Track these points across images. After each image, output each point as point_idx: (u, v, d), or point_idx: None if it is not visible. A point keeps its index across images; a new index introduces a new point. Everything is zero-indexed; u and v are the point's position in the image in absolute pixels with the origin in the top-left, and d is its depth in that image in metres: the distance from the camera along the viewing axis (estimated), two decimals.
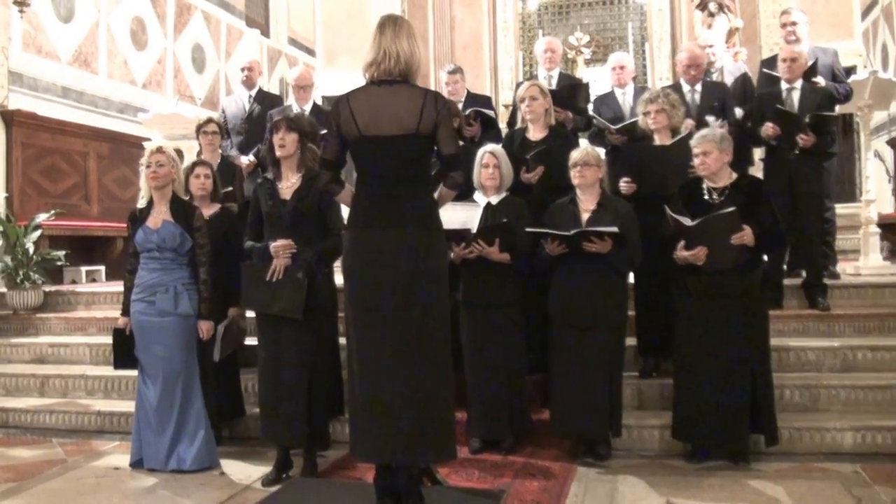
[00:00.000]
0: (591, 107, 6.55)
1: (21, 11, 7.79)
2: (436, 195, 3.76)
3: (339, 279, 4.53)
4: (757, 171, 6.35)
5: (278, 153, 4.61)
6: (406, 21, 3.74)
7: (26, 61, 8.67)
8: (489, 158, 4.95)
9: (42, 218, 7.40)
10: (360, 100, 3.65)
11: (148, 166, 4.73)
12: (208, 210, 5.21)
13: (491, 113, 6.20)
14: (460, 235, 4.64)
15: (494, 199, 4.93)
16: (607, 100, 6.56)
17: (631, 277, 5.11)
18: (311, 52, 13.98)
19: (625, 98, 6.54)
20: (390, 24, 3.67)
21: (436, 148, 3.66)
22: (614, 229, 4.50)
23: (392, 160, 3.61)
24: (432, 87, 11.67)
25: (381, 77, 3.63)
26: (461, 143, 5.49)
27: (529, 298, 4.88)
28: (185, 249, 4.73)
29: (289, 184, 4.62)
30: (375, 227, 3.62)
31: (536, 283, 4.88)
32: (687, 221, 4.38)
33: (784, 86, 5.94)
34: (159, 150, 4.73)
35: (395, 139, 3.59)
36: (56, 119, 8.84)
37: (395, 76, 3.62)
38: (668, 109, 5.18)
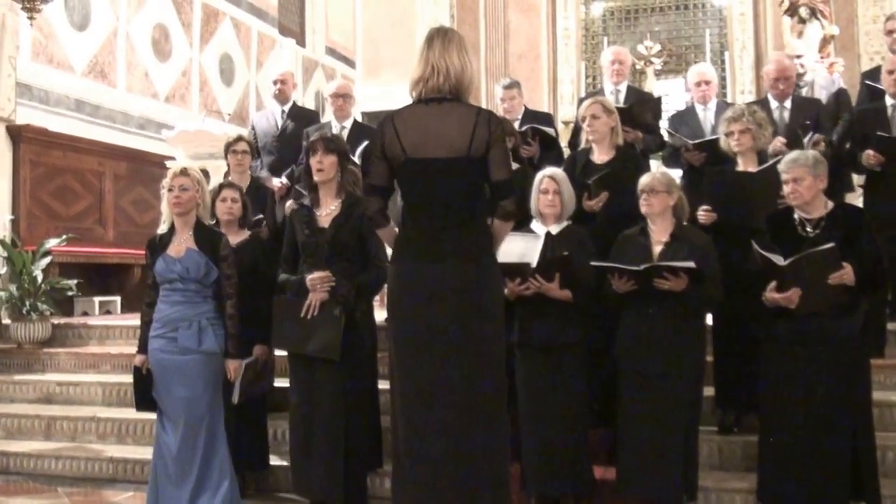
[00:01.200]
0: (664, 125, 6.55)
1: (31, 18, 7.94)
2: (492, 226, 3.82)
3: (380, 315, 4.59)
4: (856, 197, 6.29)
5: (316, 178, 4.72)
6: (457, 34, 3.81)
7: (36, 72, 8.90)
8: (548, 183, 4.98)
9: (52, 243, 7.56)
10: (407, 119, 3.72)
11: (170, 190, 4.83)
12: (236, 237, 5.30)
13: (551, 131, 6.25)
14: (518, 270, 4.65)
15: (554, 229, 4.95)
16: (686, 117, 6.55)
17: (709, 319, 5.08)
18: (350, 62, 14.20)
19: (706, 115, 6.52)
20: (439, 37, 3.75)
21: (488, 172, 3.71)
22: (690, 264, 4.48)
23: (441, 186, 3.67)
24: (483, 102, 11.75)
25: (428, 95, 3.71)
26: (517, 164, 5.57)
27: (593, 341, 4.88)
28: (211, 280, 4.82)
29: (327, 211, 4.71)
30: (423, 260, 3.67)
31: (602, 324, 4.89)
32: (779, 260, 4.32)
33: (889, 101, 5.89)
34: (183, 172, 4.83)
35: (445, 163, 3.65)
36: (68, 135, 9.05)
37: (445, 94, 3.69)
38: (753, 129, 5.15)
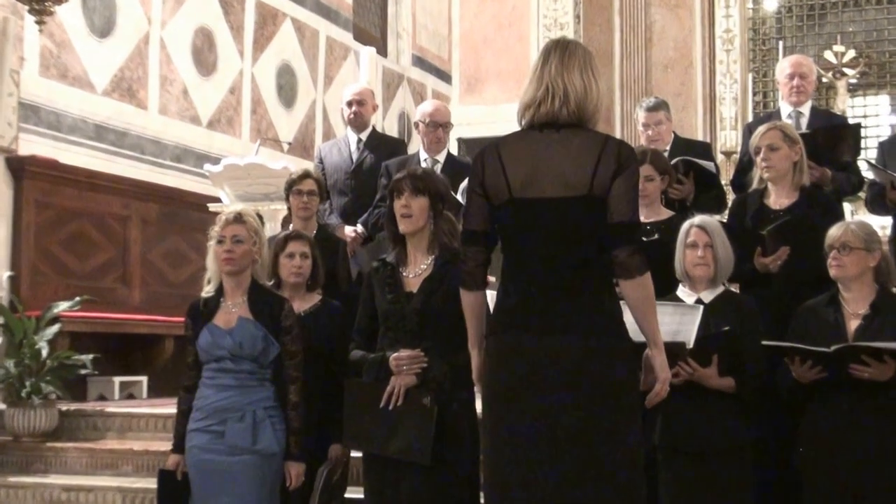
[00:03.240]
0: (864, 160, 6.48)
1: (40, 23, 7.94)
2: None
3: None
4: None
5: (402, 227, 4.78)
6: (581, 47, 3.87)
7: (45, 89, 9.17)
8: (697, 235, 4.96)
9: (62, 307, 7.69)
10: (515, 149, 3.80)
11: (220, 241, 4.95)
12: (303, 303, 5.41)
13: (710, 166, 6.26)
14: (668, 352, 4.64)
15: (707, 296, 4.93)
16: None
17: None
18: (444, 76, 14.37)
19: None
20: (557, 51, 3.83)
21: (607, 210, 3.74)
22: None
23: (555, 234, 3.72)
24: (617, 128, 11.69)
25: (542, 120, 3.79)
26: (669, 210, 5.58)
27: (762, 445, 4.84)
28: (270, 359, 4.92)
29: (416, 270, 4.78)
30: (530, 331, 3.70)
31: (775, 424, 4.84)
32: None
33: None
34: (238, 218, 4.96)
35: (561, 204, 3.70)
36: (86, 169, 9.28)
37: (563, 120, 3.76)
38: None
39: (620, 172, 3.69)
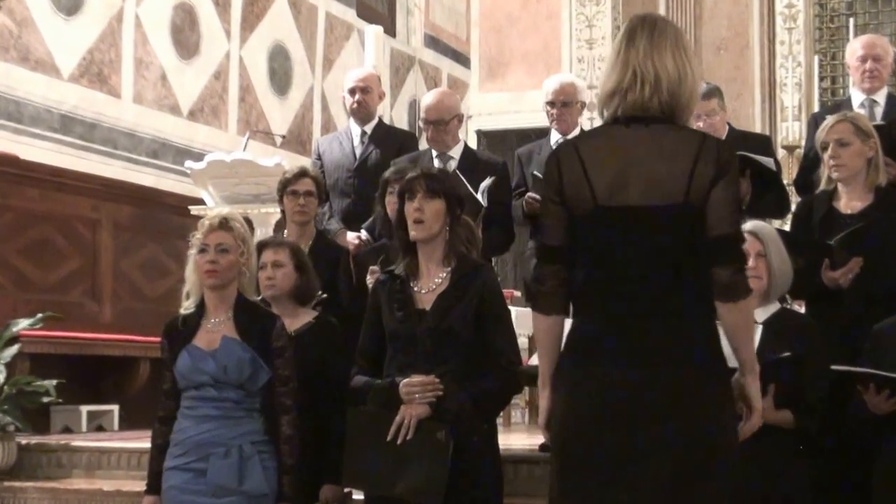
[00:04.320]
0: None
1: None
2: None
3: (508, 440, 4.60)
4: None
5: (414, 233, 4.77)
6: (672, 25, 3.82)
7: (4, 75, 9.19)
8: (749, 243, 4.87)
9: (21, 326, 7.66)
10: (598, 148, 3.76)
11: (202, 251, 4.94)
12: (293, 321, 5.40)
13: (769, 162, 6.23)
14: None
15: (760, 314, 4.89)
16: None
17: None
18: (462, 58, 14.37)
19: None
20: (645, 30, 3.77)
21: (706, 222, 3.70)
22: None
23: (648, 248, 3.67)
24: None
25: (628, 112, 3.75)
26: None
27: (827, 487, 4.83)
28: (259, 386, 4.92)
29: (429, 284, 4.78)
30: (617, 362, 3.66)
31: (844, 464, 4.85)
32: None
33: None
34: (223, 224, 4.95)
35: (653, 213, 3.66)
36: (50, 166, 9.24)
37: (654, 112, 3.72)
38: None
39: (720, 178, 3.64)
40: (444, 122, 7.10)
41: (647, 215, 3.65)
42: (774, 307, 4.92)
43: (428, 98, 7.34)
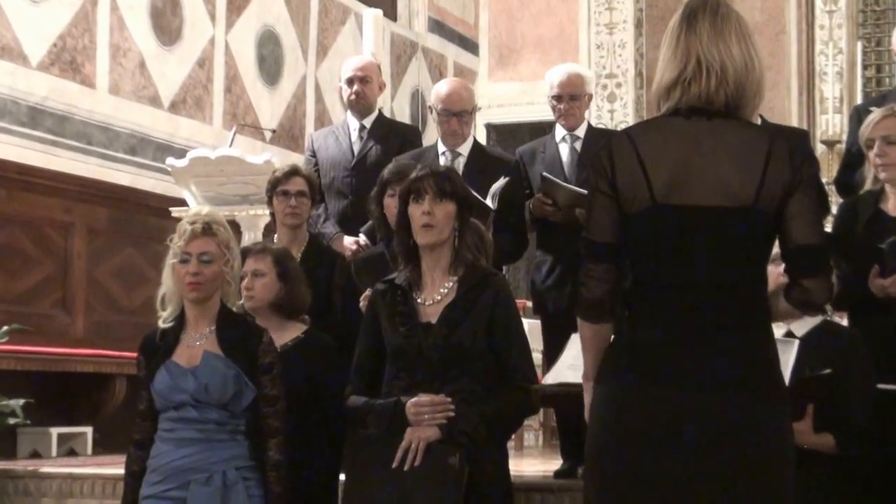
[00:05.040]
0: None
1: None
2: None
3: (520, 466, 4.58)
4: None
5: (422, 238, 4.77)
6: (734, 11, 3.77)
7: None
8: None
9: None
10: (655, 141, 3.72)
11: (183, 260, 4.92)
12: (281, 335, 5.40)
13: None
14: None
15: (799, 328, 4.93)
16: None
17: None
18: (469, 45, 14.35)
19: None
20: (707, 14, 3.73)
21: (785, 232, 3.69)
22: None
23: (711, 253, 3.66)
24: None
25: (692, 104, 3.73)
26: None
27: None
28: (244, 406, 4.91)
29: (435, 295, 4.78)
30: (668, 383, 3.63)
31: (890, 490, 4.84)
32: None
33: None
34: (207, 230, 4.92)
35: (719, 215, 3.64)
36: (17, 163, 9.24)
37: (719, 105, 3.71)
38: None
39: (799, 183, 3.62)
40: (467, 112, 7.11)
41: (712, 217, 3.63)
42: (815, 319, 4.91)
43: (445, 86, 7.31)
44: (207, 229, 4.91)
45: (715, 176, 3.62)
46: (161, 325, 5.03)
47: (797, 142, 3.74)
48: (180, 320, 5.00)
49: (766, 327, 3.72)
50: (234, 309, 5.11)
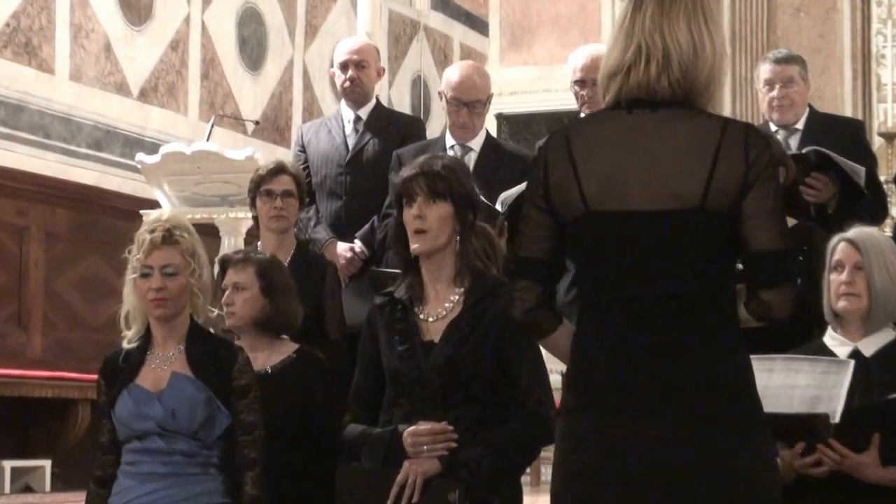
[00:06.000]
0: None
1: None
2: None
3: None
4: None
5: (414, 246, 4.76)
6: None
7: None
8: (845, 252, 4.95)
9: None
10: (591, 139, 3.73)
11: (144, 275, 4.93)
12: (269, 355, 5.46)
13: (856, 172, 6.22)
14: (802, 427, 4.65)
15: (868, 346, 4.92)
16: None
17: None
18: (478, 24, 14.37)
19: None
20: None
21: (741, 236, 3.69)
22: None
23: (656, 263, 3.65)
24: (727, 96, 11.76)
25: (632, 94, 3.73)
26: (791, 219, 5.55)
27: None
28: (217, 435, 4.91)
29: (438, 310, 4.79)
30: (625, 410, 3.63)
31: None
32: None
33: None
34: (168, 238, 4.91)
35: (661, 220, 3.62)
36: None
37: (663, 94, 3.71)
38: None
39: (754, 180, 3.60)
40: (481, 102, 7.15)
41: (653, 223, 3.62)
42: (886, 336, 4.93)
43: (456, 71, 7.32)
44: (168, 238, 4.89)
45: (656, 176, 3.61)
46: (125, 345, 5.04)
47: (755, 132, 3.68)
48: (146, 339, 5.00)
49: (733, 342, 3.67)
50: (212, 329, 5.12)
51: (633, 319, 3.66)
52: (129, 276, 4.96)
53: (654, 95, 3.67)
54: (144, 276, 4.87)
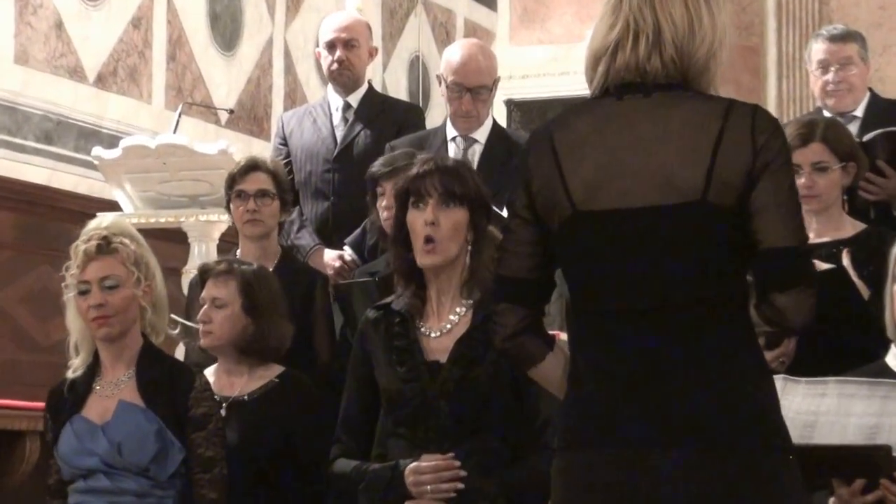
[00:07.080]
0: None
1: None
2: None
3: None
4: None
5: (422, 258, 4.79)
6: None
7: None
8: None
9: None
10: (578, 134, 3.75)
11: (82, 292, 4.97)
12: (249, 380, 5.52)
13: None
14: (860, 462, 4.65)
15: None
16: None
17: None
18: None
19: None
20: None
21: (750, 232, 3.70)
22: None
23: (653, 267, 3.66)
24: (772, 76, 11.80)
25: (620, 78, 3.74)
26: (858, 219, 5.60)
27: None
28: (170, 471, 4.95)
29: (444, 324, 4.82)
30: (622, 442, 3.64)
31: None
32: None
33: None
34: (104, 247, 4.95)
35: (658, 216, 3.64)
36: None
37: (656, 76, 3.73)
38: None
39: (764, 167, 3.60)
40: (486, 88, 7.17)
41: (648, 220, 3.63)
42: None
43: (457, 52, 7.33)
44: (105, 246, 4.92)
45: (651, 167, 3.62)
46: (69, 375, 5.05)
47: (764, 115, 3.68)
48: (93, 365, 5.02)
49: (749, 355, 3.68)
50: (184, 346, 5.14)
51: (629, 334, 3.68)
52: (68, 294, 4.98)
53: (645, 77, 3.69)
54: (83, 293, 4.92)
